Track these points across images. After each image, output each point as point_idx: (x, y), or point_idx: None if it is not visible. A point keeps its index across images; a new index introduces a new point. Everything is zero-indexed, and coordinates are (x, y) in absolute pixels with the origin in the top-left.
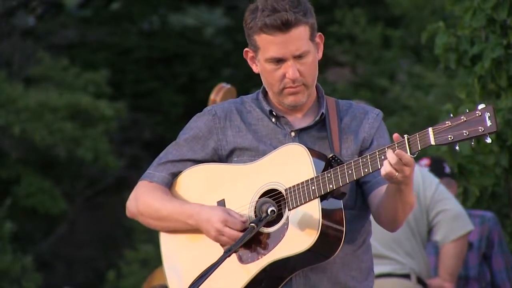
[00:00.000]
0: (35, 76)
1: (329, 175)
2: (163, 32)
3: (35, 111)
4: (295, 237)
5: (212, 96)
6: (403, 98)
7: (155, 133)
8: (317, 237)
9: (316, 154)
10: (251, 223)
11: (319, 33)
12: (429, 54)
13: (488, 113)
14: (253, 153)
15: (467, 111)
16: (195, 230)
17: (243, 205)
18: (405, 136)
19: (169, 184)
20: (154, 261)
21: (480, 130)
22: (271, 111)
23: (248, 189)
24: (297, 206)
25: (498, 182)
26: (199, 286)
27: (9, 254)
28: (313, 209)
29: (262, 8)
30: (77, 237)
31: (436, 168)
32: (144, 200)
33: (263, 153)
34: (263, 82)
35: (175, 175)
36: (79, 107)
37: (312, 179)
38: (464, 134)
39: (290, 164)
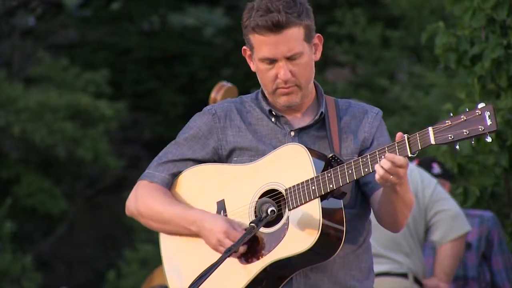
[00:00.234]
0: (35, 76)
1: (329, 175)
2: (163, 32)
3: (35, 111)
4: (296, 237)
5: (212, 95)
6: (403, 98)
7: (155, 133)
8: (317, 237)
9: (316, 154)
10: (251, 223)
11: (318, 34)
12: (429, 54)
13: (488, 112)
14: (253, 153)
15: (467, 110)
16: (194, 234)
17: (243, 205)
18: (405, 135)
19: (169, 185)
20: (154, 261)
21: (480, 129)
22: (270, 111)
23: (248, 189)
24: (297, 206)
25: (498, 182)
26: (199, 286)
27: (9, 254)
28: (314, 209)
29: (257, 8)
30: (77, 237)
31: (423, 169)
32: (145, 201)
33: (263, 153)
34: (259, 81)
35: (176, 175)
36: (79, 107)
37: (312, 179)
38: (464, 133)
39: (290, 164)
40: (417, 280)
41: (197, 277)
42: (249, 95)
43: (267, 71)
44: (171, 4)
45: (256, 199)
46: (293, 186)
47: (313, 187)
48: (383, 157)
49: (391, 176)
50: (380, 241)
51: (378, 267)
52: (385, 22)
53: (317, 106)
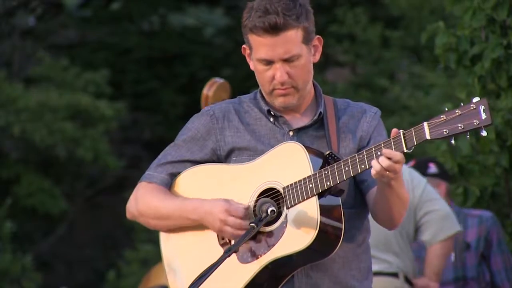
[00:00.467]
0: (35, 76)
1: (326, 172)
2: (163, 32)
3: (35, 111)
4: (294, 235)
5: (204, 91)
6: (403, 98)
7: (155, 133)
8: (315, 234)
9: (313, 152)
10: (251, 223)
11: (318, 36)
12: (429, 54)
13: (483, 106)
14: (252, 152)
15: (462, 104)
16: (195, 229)
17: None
18: (401, 131)
19: (169, 185)
20: (154, 261)
21: (475, 123)
22: (269, 111)
23: (247, 189)
24: (295, 204)
25: (498, 182)
26: (199, 286)
27: (9, 254)
28: (311, 206)
29: (256, 8)
30: (77, 237)
31: (420, 168)
32: (144, 201)
33: (262, 153)
34: (257, 81)
35: (174, 175)
36: (79, 107)
37: (309, 176)
38: (459, 127)
39: (287, 163)
40: (407, 280)
41: (197, 277)
42: (247, 95)
43: (264, 72)
44: (171, 4)
45: (255, 198)
46: (291, 185)
47: (311, 185)
48: (379, 153)
49: (388, 172)
50: (371, 241)
51: None
52: (385, 22)
53: (315, 106)
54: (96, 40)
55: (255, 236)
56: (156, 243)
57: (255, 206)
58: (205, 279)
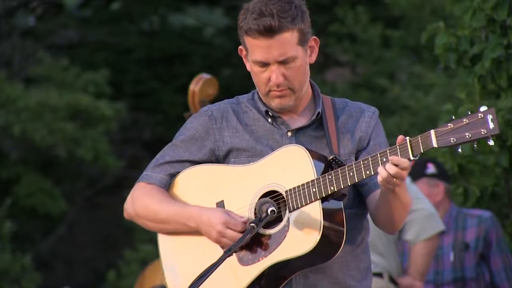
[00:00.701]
0: (35, 76)
1: (330, 177)
2: (163, 32)
3: (35, 111)
4: (297, 239)
5: (191, 87)
6: (403, 98)
7: (155, 133)
8: (318, 239)
9: (316, 156)
10: (251, 223)
11: (314, 37)
12: (429, 54)
13: (491, 116)
14: (250, 153)
15: (469, 113)
16: (194, 231)
17: (243, 206)
18: (407, 138)
19: (167, 185)
20: (154, 261)
21: (482, 133)
22: (267, 111)
23: (248, 191)
24: (298, 208)
25: (498, 182)
26: (199, 286)
27: (8, 254)
28: (314, 210)
29: (251, 10)
30: (77, 237)
31: (418, 168)
32: (142, 202)
33: (260, 153)
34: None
35: (173, 176)
36: (79, 107)
37: (313, 181)
38: (467, 136)
39: (290, 166)
40: (392, 279)
41: (197, 277)
42: (245, 95)
43: (260, 74)
44: (171, 4)
45: (256, 200)
46: (294, 188)
47: (314, 189)
48: (384, 159)
49: (394, 179)
50: None
51: None
52: (385, 22)
53: (313, 106)
54: (96, 40)
55: (257, 239)
56: (156, 243)
57: (255, 208)
58: (205, 279)
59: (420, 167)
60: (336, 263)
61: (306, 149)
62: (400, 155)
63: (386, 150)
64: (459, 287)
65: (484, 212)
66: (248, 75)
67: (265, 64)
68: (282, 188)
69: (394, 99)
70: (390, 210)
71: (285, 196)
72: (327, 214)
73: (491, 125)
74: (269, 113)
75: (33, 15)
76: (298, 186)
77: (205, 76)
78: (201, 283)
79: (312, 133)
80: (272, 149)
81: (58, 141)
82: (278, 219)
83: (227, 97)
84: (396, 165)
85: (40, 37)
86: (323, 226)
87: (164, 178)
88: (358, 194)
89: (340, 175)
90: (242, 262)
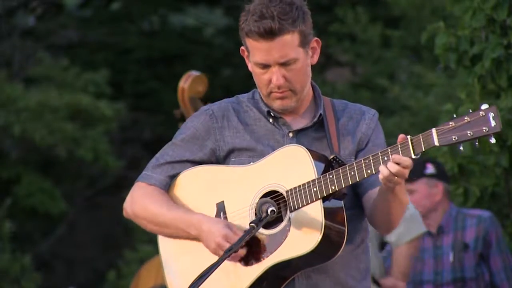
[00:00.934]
0: (35, 76)
1: (331, 176)
2: (163, 32)
3: (35, 111)
4: (298, 239)
5: (181, 84)
6: (403, 98)
7: (155, 133)
8: (320, 238)
9: (316, 155)
10: (251, 223)
11: (316, 38)
12: (429, 54)
13: (492, 113)
14: (251, 153)
15: (470, 111)
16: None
17: (243, 206)
18: (408, 137)
19: (167, 187)
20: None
21: (484, 131)
22: (269, 112)
23: (248, 191)
24: (299, 207)
25: (498, 182)
26: (199, 286)
27: (8, 254)
28: (315, 210)
29: (252, 12)
30: (77, 237)
31: (417, 169)
32: (142, 204)
33: (261, 154)
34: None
35: (173, 176)
36: (79, 107)
37: (313, 180)
38: (468, 134)
39: (291, 166)
40: (375, 280)
41: (197, 277)
42: (245, 94)
43: (261, 75)
44: (171, 4)
45: (257, 200)
46: (294, 188)
47: (315, 189)
48: (386, 158)
49: (396, 177)
50: None
51: None
52: (385, 22)
53: (314, 107)
54: (96, 40)
55: (258, 239)
56: (156, 243)
57: (256, 208)
58: (205, 279)
59: (419, 167)
60: (337, 263)
61: (307, 149)
62: (402, 153)
63: (388, 149)
64: (459, 287)
65: (484, 212)
66: (248, 74)
67: (266, 66)
68: (282, 188)
69: (394, 99)
70: (388, 210)
71: (285, 196)
72: (328, 214)
73: (493, 123)
74: (271, 113)
75: (33, 15)
76: (299, 186)
77: (194, 73)
78: (201, 283)
79: (313, 134)
80: (273, 150)
81: (58, 141)
82: (279, 219)
83: (227, 97)
84: (398, 164)
85: (40, 37)
86: (325, 225)
87: (165, 179)
88: (357, 195)
89: (341, 174)
90: (244, 262)
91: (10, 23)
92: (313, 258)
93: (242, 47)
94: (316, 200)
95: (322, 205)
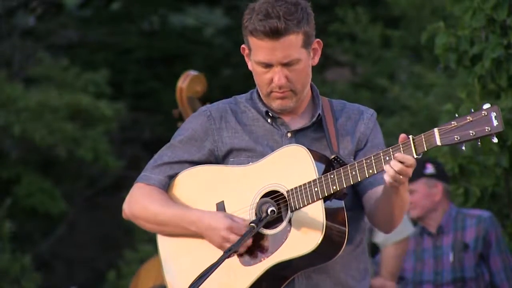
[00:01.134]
0: (35, 76)
1: (332, 176)
2: (163, 32)
3: (35, 111)
4: (299, 239)
5: (179, 84)
6: (403, 98)
7: (155, 133)
8: (321, 238)
9: (317, 155)
10: (251, 223)
11: (317, 39)
12: (429, 54)
13: (494, 113)
14: (250, 153)
15: (473, 111)
16: (194, 234)
17: (244, 207)
18: (410, 136)
19: (166, 187)
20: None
21: (486, 130)
22: (267, 112)
23: (249, 191)
24: (300, 207)
25: (498, 182)
26: (199, 286)
27: (8, 254)
28: (317, 210)
29: (257, 11)
30: (77, 237)
31: (417, 169)
32: (141, 204)
33: (260, 154)
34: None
35: (172, 177)
36: (79, 107)
37: (314, 180)
38: (471, 134)
39: (291, 166)
40: None
41: (197, 277)
42: (243, 95)
43: (262, 74)
44: (171, 4)
45: (257, 200)
46: (295, 188)
47: (316, 189)
48: (388, 158)
49: (401, 177)
50: None
51: None
52: (385, 22)
53: (313, 107)
54: (96, 40)
55: (259, 239)
56: (156, 243)
57: (256, 208)
58: (205, 279)
59: (419, 167)
60: (338, 263)
61: (307, 148)
62: (404, 153)
63: (389, 149)
64: (459, 287)
65: (483, 212)
66: (248, 74)
67: (268, 65)
68: (283, 188)
69: (394, 99)
70: (391, 209)
71: (286, 196)
72: (329, 214)
73: (495, 123)
74: (269, 113)
75: (33, 15)
76: (300, 186)
77: (192, 72)
78: (201, 283)
79: (312, 135)
80: (272, 150)
81: (58, 141)
82: (280, 219)
83: (227, 97)
84: (402, 162)
85: (40, 37)
86: (326, 225)
87: (164, 179)
88: (357, 195)
89: (342, 174)
90: (245, 262)
91: (10, 23)
92: (314, 258)
93: (243, 45)
94: (317, 200)
95: (323, 205)
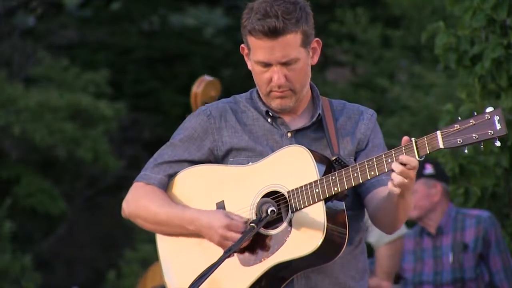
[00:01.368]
0: (35, 76)
1: (333, 177)
2: (163, 32)
3: (35, 111)
4: (299, 240)
5: (194, 89)
6: (403, 98)
7: (155, 133)
8: (322, 240)
9: (318, 156)
10: (251, 223)
11: (317, 39)
12: (429, 54)
13: (497, 116)
14: (250, 153)
15: (475, 114)
16: (193, 233)
17: (244, 206)
18: (413, 139)
19: (166, 186)
20: (154, 261)
21: (489, 134)
22: (267, 112)
23: (249, 191)
24: (301, 208)
25: (498, 182)
26: (199, 286)
27: (8, 254)
28: (317, 211)
29: (256, 10)
30: (77, 237)
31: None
32: (141, 203)
33: (260, 154)
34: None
35: (171, 176)
36: (79, 107)
37: (316, 181)
38: (474, 137)
39: (292, 166)
40: None
41: (197, 277)
42: (243, 94)
43: (261, 74)
44: (171, 4)
45: (257, 200)
46: (296, 189)
47: (317, 190)
48: (390, 160)
49: (406, 180)
50: None
51: None
52: (385, 22)
53: (313, 107)
54: (96, 40)
55: (259, 239)
56: (155, 243)
57: (256, 208)
58: (205, 279)
59: (418, 167)
60: (336, 263)
61: (309, 149)
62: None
63: (392, 151)
64: (458, 287)
65: (483, 212)
66: (248, 74)
67: (267, 65)
68: (284, 188)
69: (394, 99)
70: (395, 212)
71: (287, 197)
72: (330, 215)
73: (498, 126)
74: (269, 113)
75: (33, 15)
76: (301, 187)
77: (207, 78)
78: (201, 283)
79: (312, 135)
80: (272, 150)
81: (58, 141)
82: (280, 219)
83: (227, 97)
84: (404, 164)
85: (40, 37)
86: (327, 227)
87: (163, 179)
88: (357, 196)
89: (344, 175)
90: (245, 262)
91: (10, 23)
92: (314, 259)
93: (242, 45)
94: (318, 201)
95: (324, 207)
